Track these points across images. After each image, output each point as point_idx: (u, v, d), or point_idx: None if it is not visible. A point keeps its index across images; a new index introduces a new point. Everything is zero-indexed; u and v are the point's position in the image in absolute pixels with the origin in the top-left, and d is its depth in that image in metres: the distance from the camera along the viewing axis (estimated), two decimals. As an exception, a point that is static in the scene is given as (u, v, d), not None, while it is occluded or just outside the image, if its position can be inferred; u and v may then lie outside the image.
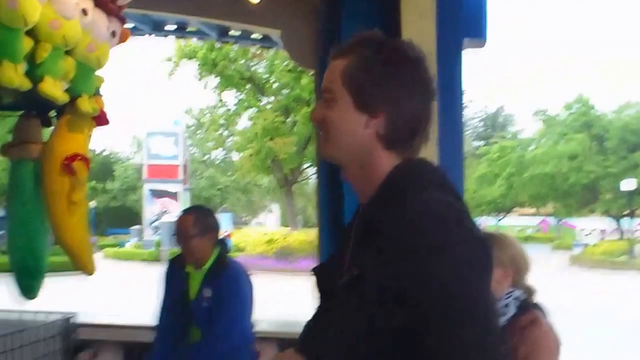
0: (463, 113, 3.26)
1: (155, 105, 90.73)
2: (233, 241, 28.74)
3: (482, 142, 41.16)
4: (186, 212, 3.63)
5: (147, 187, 37.39)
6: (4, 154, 3.46)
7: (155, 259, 30.40)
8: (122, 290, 18.48)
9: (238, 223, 45.54)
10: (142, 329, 4.53)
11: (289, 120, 30.57)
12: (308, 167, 32.62)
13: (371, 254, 1.37)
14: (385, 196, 1.45)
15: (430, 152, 2.02)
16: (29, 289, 3.59)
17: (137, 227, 38.65)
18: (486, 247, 1.41)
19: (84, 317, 3.76)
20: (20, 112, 3.30)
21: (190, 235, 3.43)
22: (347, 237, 1.56)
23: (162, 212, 35.91)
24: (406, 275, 1.31)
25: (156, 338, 3.59)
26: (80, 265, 3.47)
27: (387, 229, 1.37)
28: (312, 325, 1.68)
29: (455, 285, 1.31)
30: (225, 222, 29.22)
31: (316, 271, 1.67)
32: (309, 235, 26.33)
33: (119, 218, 45.77)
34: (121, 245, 37.18)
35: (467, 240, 1.37)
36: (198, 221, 3.47)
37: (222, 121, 34.41)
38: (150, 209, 37.02)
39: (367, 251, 1.40)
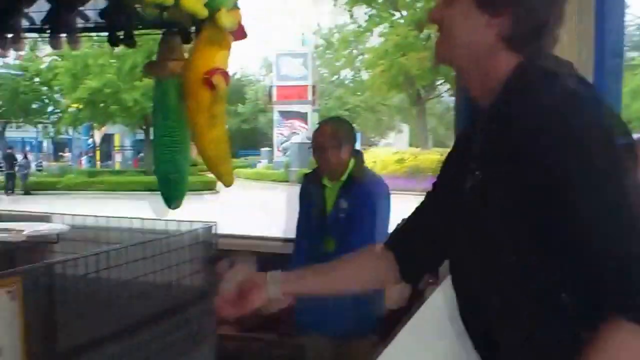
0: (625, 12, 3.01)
1: (284, 25, 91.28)
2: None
3: (637, 53, 38.47)
4: (323, 123, 3.75)
5: (276, 109, 38.16)
6: (148, 72, 3.73)
7: (284, 179, 31.29)
8: (254, 208, 19.24)
9: (367, 144, 45.75)
10: (276, 241, 4.83)
11: (422, 34, 29.91)
12: (441, 83, 32.01)
13: (509, 150, 1.34)
14: (514, 89, 1.41)
15: (584, 57, 1.95)
16: (172, 199, 3.93)
17: (267, 149, 39.78)
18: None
19: (222, 229, 4.03)
20: (163, 30, 3.50)
21: (327, 146, 3.55)
22: (465, 150, 1.55)
23: (291, 133, 36.62)
24: (558, 164, 1.28)
25: (294, 250, 3.81)
26: (219, 176, 3.75)
27: (524, 121, 1.33)
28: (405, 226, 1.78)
29: (609, 172, 1.27)
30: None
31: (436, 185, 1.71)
32: (440, 155, 26.11)
33: (250, 140, 47.23)
34: (252, 166, 38.48)
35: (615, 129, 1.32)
36: (335, 132, 3.58)
37: (351, 39, 34.25)
38: (279, 131, 37.87)
39: (500, 150, 1.38)
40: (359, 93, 47.44)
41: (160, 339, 3.32)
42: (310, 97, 37.22)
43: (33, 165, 32.36)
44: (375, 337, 3.56)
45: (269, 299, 1.79)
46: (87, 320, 2.80)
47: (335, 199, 3.60)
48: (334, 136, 3.58)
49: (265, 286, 1.79)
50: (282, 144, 37.29)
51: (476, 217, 1.45)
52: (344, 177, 3.61)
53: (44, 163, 38.00)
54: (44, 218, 4.42)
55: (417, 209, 1.76)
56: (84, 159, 40.24)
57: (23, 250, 3.71)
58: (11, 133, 38.65)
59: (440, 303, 2.01)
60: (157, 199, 4.19)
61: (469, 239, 1.49)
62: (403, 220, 1.86)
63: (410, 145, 43.65)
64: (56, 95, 35.06)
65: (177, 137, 3.83)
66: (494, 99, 1.45)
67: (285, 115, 37.66)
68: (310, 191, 3.76)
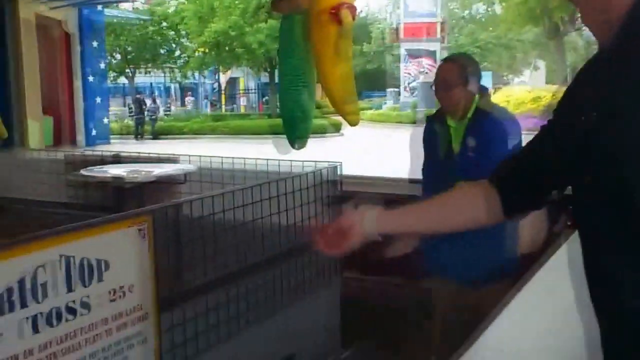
0: None
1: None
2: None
3: None
4: (447, 60, 3.67)
5: (403, 48, 37.66)
6: (275, 8, 3.75)
7: (411, 121, 31.01)
8: (379, 150, 19.22)
9: (500, 83, 44.41)
10: (401, 182, 4.80)
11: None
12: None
13: (632, 86, 1.31)
14: (634, 23, 1.36)
15: None
16: (297, 139, 3.97)
17: (393, 89, 39.47)
18: None
19: (347, 171, 4.05)
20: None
21: (451, 83, 3.48)
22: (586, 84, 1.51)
23: (418, 72, 36.12)
24: None
25: (423, 194, 3.78)
26: (345, 114, 3.76)
27: None
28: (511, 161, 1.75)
29: None
30: (485, 82, 28.71)
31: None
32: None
33: (375, 81, 46.96)
34: (377, 108, 38.34)
35: None
36: (459, 68, 3.50)
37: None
38: (406, 70, 37.42)
39: (623, 87, 1.34)
40: (491, 28, 45.88)
41: (284, 280, 3.40)
42: (439, 34, 36.40)
43: (161, 110, 33.71)
44: (506, 283, 3.50)
45: (365, 236, 1.84)
46: (212, 260, 2.91)
47: (462, 138, 3.52)
48: (458, 72, 3.49)
49: (361, 224, 1.84)
50: (409, 83, 36.85)
51: (594, 156, 1.40)
52: (469, 115, 3.53)
53: (172, 107, 39.47)
54: (172, 160, 4.60)
55: (528, 144, 1.73)
56: (209, 103, 41.49)
57: (152, 191, 3.88)
58: (140, 78, 40.29)
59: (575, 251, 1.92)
60: (282, 142, 4.25)
61: (586, 179, 1.44)
62: (510, 155, 1.81)
63: (547, 82, 41.97)
64: (183, 40, 36.13)
65: (302, 75, 3.85)
66: (612, 34, 1.40)
67: (413, 53, 37.06)
68: (435, 133, 3.69)
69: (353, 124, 3.88)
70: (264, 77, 37.77)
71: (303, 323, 3.63)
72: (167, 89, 46.17)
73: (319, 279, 3.73)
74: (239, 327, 3.05)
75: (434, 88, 3.60)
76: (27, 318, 2.01)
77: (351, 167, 4.47)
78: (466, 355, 2.01)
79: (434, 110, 3.73)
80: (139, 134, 28.06)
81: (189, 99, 42.13)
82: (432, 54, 36.34)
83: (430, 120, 3.78)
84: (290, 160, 3.83)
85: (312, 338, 3.73)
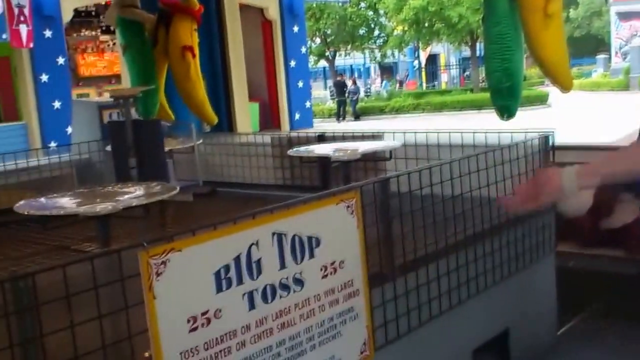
0: None
1: None
2: None
3: None
4: None
5: (613, 10, 35.35)
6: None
7: (623, 87, 29.14)
8: (590, 120, 18.16)
9: None
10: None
11: None
12: None
13: None
14: None
15: None
16: (506, 108, 3.79)
17: (602, 55, 37.24)
18: None
19: (560, 140, 3.81)
20: None
21: None
22: None
23: (631, 35, 33.84)
24: None
25: None
26: (556, 80, 3.52)
27: None
28: None
29: None
30: None
31: None
32: None
33: (584, 47, 44.53)
34: (586, 75, 36.33)
35: None
36: None
37: None
38: (617, 35, 35.14)
39: None
40: None
41: (496, 255, 3.26)
42: (653, -8, 33.75)
43: (362, 91, 34.13)
44: None
45: (564, 193, 1.79)
46: (421, 235, 2.83)
47: None
48: None
49: (560, 179, 1.78)
50: (620, 48, 34.58)
51: None
52: None
53: (372, 88, 39.85)
54: (376, 136, 4.57)
55: None
56: (409, 81, 41.41)
57: (358, 168, 3.88)
58: (340, 61, 41.03)
59: None
60: (486, 116, 4.08)
61: None
62: None
63: None
64: (381, 19, 36.26)
65: (509, 43, 3.67)
66: None
67: (624, 16, 34.70)
68: None
69: (566, 89, 3.63)
70: (465, 52, 37.01)
71: (518, 298, 3.48)
72: (367, 70, 46.70)
73: (533, 253, 3.55)
74: (450, 303, 2.97)
75: None
76: (243, 294, 2.05)
77: (563, 137, 4.21)
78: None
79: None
80: (340, 116, 28.61)
81: (389, 79, 42.30)
82: (646, 15, 33.79)
83: None
84: (498, 131, 3.66)
85: (528, 313, 3.57)
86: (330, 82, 37.13)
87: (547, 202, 1.86)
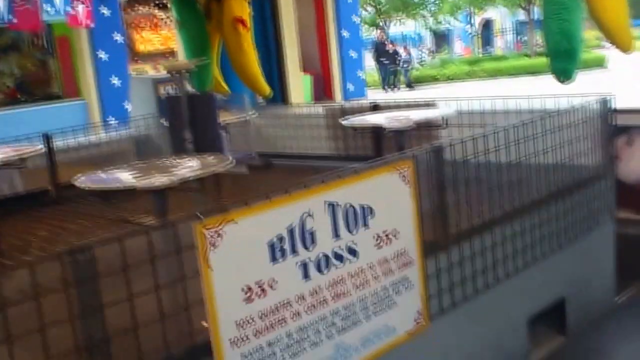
0: None
1: None
2: None
3: None
4: None
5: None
6: None
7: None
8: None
9: None
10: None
11: None
12: None
13: None
14: None
15: None
16: (564, 72, 3.68)
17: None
18: None
19: (619, 104, 3.70)
20: None
21: None
22: None
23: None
24: None
25: None
26: (616, 41, 3.41)
27: None
28: None
29: None
30: None
31: None
32: None
33: (643, 7, 43.00)
34: (647, 37, 35.19)
35: None
36: None
37: None
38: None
39: None
40: None
41: (554, 222, 3.19)
42: None
43: (415, 59, 33.65)
44: None
45: None
46: (477, 204, 2.78)
47: None
48: None
49: None
50: (683, 8, 33.26)
51: None
52: None
53: (425, 56, 39.31)
54: (430, 104, 4.50)
55: None
56: (464, 48, 40.70)
57: (412, 137, 3.82)
58: (392, 29, 40.51)
59: None
60: (542, 82, 3.97)
61: None
62: None
63: None
64: (434, -15, 35.66)
65: (567, 3, 3.54)
66: None
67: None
68: None
69: (627, 50, 3.51)
70: (521, 15, 36.13)
71: (575, 266, 3.41)
72: (420, 37, 46.08)
73: (591, 221, 3.46)
74: (506, 272, 2.92)
75: None
76: (297, 264, 2.05)
77: (623, 101, 4.08)
78: None
79: None
80: (394, 85, 28.33)
81: (443, 46, 41.68)
82: None
83: None
84: (555, 96, 3.56)
85: (585, 282, 3.49)
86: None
87: None
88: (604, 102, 3.48)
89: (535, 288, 3.15)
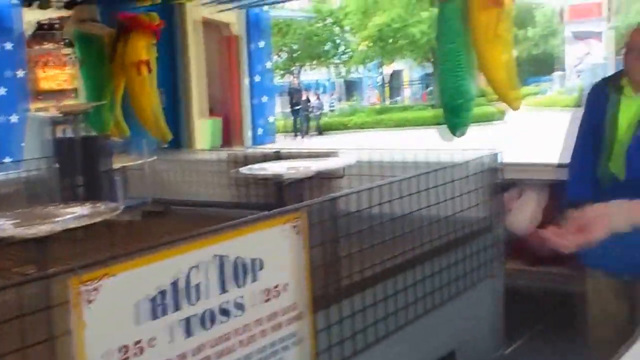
0: None
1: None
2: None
3: None
4: None
5: (568, 30, 35.92)
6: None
7: (577, 104, 29.61)
8: (543, 136, 18.37)
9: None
10: (565, 167, 4.42)
11: None
12: None
13: None
14: None
15: None
16: (457, 126, 3.76)
17: (558, 73, 37.86)
18: None
19: (507, 159, 3.80)
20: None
21: None
22: None
23: (584, 54, 34.43)
24: None
25: (569, 171, 3.42)
26: (506, 99, 3.51)
27: None
28: None
29: None
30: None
31: None
32: None
33: (541, 65, 45.14)
34: (542, 93, 36.86)
35: None
36: None
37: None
38: (572, 53, 35.73)
39: None
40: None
41: (444, 274, 3.20)
42: (605, 14, 34.33)
43: (326, 106, 34.06)
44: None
45: (613, 230, 1.69)
46: (369, 255, 2.76)
47: (635, 117, 3.09)
48: None
49: (610, 217, 1.69)
50: (575, 66, 35.13)
51: None
52: None
53: (336, 103, 39.84)
54: (332, 154, 4.50)
55: None
56: (372, 97, 41.51)
57: (312, 186, 3.80)
58: (305, 76, 40.94)
59: None
60: (444, 130, 4.05)
61: None
62: None
63: None
64: (347, 35, 36.32)
65: (461, 61, 3.66)
66: None
67: (579, 35, 35.26)
68: (603, 98, 3.23)
69: (515, 108, 3.63)
70: (428, 68, 37.29)
71: (464, 318, 3.42)
72: (332, 85, 46.80)
73: (481, 273, 3.50)
74: (397, 325, 2.89)
75: (624, 52, 3.18)
76: (180, 321, 1.96)
77: (514, 154, 4.20)
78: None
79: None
80: (304, 131, 28.53)
81: (353, 95, 42.39)
82: (597, 35, 34.46)
83: (600, 86, 3.33)
84: (449, 150, 3.62)
85: (474, 333, 3.51)
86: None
87: (594, 240, 1.70)
88: (494, 157, 3.56)
89: (426, 340, 3.14)
